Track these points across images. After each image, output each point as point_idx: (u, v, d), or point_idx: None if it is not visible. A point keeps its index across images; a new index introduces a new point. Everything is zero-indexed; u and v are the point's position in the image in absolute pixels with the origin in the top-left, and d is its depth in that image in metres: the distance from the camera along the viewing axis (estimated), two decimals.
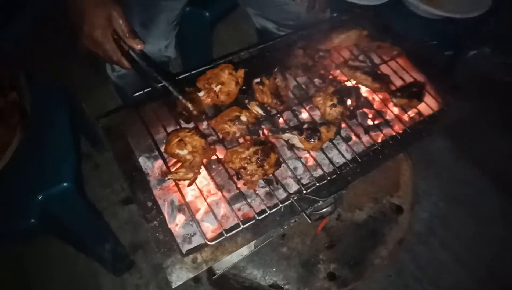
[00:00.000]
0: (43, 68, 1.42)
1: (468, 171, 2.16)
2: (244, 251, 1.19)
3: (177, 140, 0.99)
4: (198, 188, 1.04)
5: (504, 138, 2.18)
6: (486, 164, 2.15)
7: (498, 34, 1.73)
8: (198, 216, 1.14)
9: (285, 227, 1.18)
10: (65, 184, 1.19)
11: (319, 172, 1.18)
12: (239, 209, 1.15)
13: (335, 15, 1.75)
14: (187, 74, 1.17)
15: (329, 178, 1.05)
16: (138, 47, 1.01)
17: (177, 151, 0.98)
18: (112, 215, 1.91)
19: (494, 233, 1.95)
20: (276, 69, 1.17)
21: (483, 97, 1.40)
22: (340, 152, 1.14)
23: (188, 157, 0.97)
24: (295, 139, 1.06)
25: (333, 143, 1.15)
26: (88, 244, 1.51)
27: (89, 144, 2.02)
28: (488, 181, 2.11)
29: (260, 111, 1.11)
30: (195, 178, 1.00)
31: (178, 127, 1.13)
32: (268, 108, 1.14)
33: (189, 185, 1.00)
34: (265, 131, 1.13)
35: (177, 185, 1.02)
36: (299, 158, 1.14)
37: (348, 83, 1.25)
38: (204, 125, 1.26)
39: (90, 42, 0.99)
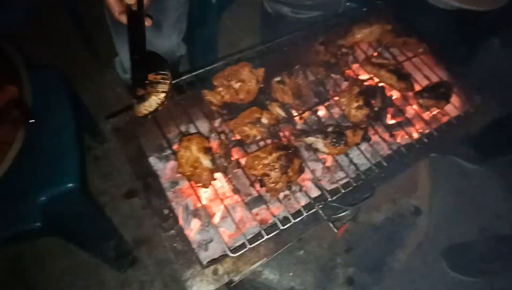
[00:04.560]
0: (40, 57, 1.31)
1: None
2: None
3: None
4: (214, 189, 0.99)
5: None
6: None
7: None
8: (214, 221, 1.09)
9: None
10: (69, 185, 1.11)
11: (340, 174, 1.13)
12: (256, 214, 1.09)
13: (348, 4, 1.67)
14: (201, 70, 1.09)
15: (354, 184, 1.00)
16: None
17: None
18: (114, 210, 1.83)
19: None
20: (297, 67, 1.10)
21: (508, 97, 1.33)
22: (361, 151, 1.08)
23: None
24: (320, 143, 1.00)
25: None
26: (92, 242, 1.45)
27: (88, 135, 1.93)
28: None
29: (282, 113, 1.04)
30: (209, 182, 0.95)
31: (191, 124, 1.07)
32: (289, 109, 1.08)
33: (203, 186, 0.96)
34: (286, 133, 1.07)
35: (193, 187, 0.96)
36: (318, 159, 1.09)
37: (370, 80, 1.19)
38: (217, 123, 1.20)
39: None
